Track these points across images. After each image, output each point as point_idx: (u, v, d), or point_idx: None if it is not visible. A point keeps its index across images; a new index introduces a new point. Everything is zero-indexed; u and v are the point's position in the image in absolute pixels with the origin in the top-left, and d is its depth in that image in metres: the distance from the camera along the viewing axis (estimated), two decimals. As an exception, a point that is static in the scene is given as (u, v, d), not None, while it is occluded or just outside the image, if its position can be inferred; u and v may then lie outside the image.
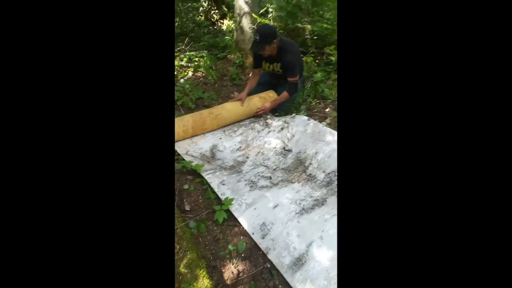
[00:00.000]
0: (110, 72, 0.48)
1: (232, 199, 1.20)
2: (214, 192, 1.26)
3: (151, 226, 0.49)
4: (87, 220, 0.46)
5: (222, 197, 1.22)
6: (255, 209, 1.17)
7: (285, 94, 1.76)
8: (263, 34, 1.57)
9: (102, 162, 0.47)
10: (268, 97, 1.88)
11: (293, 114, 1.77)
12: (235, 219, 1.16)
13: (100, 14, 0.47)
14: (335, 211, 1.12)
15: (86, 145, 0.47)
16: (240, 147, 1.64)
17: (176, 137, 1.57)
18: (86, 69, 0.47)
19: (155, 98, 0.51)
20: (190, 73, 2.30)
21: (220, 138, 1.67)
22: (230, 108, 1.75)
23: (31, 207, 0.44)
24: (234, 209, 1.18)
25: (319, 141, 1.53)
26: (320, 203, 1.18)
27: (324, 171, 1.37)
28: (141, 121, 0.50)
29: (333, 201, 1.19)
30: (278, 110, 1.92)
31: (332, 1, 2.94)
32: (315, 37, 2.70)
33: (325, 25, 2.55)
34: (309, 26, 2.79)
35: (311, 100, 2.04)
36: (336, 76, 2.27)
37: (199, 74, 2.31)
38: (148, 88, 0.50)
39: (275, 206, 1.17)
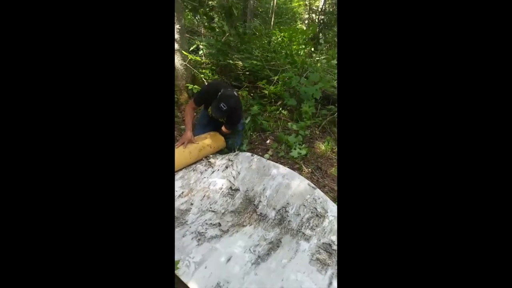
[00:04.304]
0: (107, 84, 0.51)
1: (177, 261, 1.03)
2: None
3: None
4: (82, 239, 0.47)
5: (165, 261, 1.04)
6: (206, 267, 1.02)
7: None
8: (230, 106, 1.55)
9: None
10: (216, 137, 1.79)
11: (236, 152, 1.74)
12: (185, 286, 0.99)
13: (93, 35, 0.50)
14: (291, 254, 1.08)
15: (73, 156, 0.48)
16: (182, 192, 1.48)
17: None
18: (81, 80, 0.49)
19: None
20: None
21: (158, 186, 1.48)
22: (177, 158, 1.55)
23: (26, 218, 0.45)
24: (182, 272, 1.01)
25: (265, 176, 1.52)
26: (275, 245, 1.13)
27: (274, 208, 1.34)
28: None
29: (287, 241, 1.15)
30: (229, 145, 1.87)
31: (258, 40, 3.21)
32: (247, 73, 2.85)
33: (254, 62, 2.72)
34: (240, 63, 2.93)
35: (251, 133, 2.06)
36: (272, 108, 2.39)
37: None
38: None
39: (228, 260, 1.05)
